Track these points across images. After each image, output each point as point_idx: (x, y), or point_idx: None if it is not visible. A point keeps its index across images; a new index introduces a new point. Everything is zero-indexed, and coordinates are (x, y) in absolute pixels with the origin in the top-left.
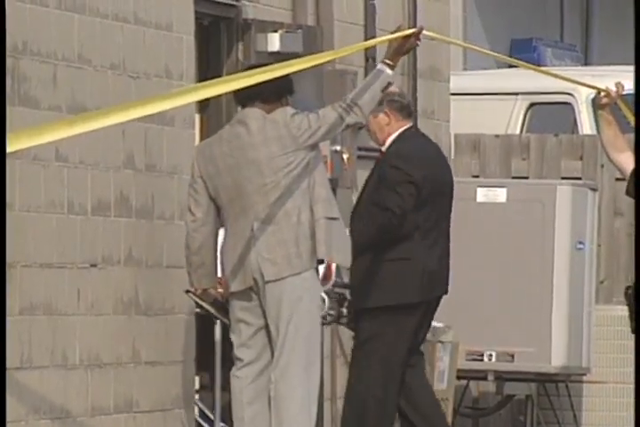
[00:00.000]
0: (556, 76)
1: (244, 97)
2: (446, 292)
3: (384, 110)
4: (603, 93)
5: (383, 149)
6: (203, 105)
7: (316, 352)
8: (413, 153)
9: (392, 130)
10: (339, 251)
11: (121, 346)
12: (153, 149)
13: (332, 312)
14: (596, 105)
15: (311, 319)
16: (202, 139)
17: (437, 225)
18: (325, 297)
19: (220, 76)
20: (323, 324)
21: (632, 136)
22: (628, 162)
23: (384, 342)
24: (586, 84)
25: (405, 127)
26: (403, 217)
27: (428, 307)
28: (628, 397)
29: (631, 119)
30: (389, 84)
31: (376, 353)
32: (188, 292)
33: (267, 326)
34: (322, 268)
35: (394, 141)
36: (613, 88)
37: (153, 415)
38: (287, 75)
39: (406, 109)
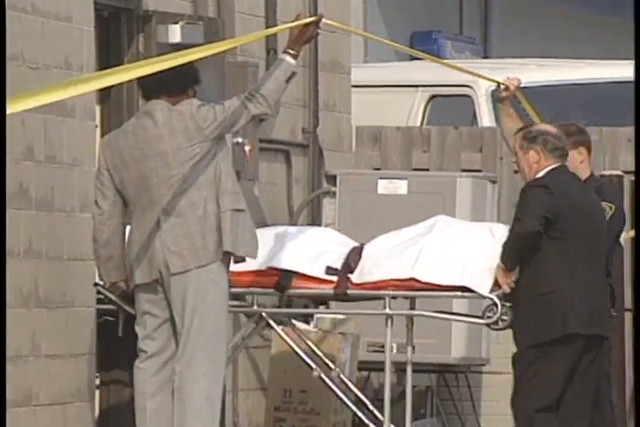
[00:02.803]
0: (457, 68)
1: (149, 90)
2: (602, 332)
3: (536, 148)
4: (502, 86)
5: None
6: (103, 96)
7: (221, 344)
8: (552, 183)
9: (540, 168)
10: (245, 243)
11: (20, 339)
12: (53, 141)
13: (505, 318)
14: (496, 98)
15: (217, 312)
16: (102, 130)
17: (578, 260)
18: (498, 302)
19: None
20: (495, 329)
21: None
22: None
23: (537, 380)
24: (486, 76)
25: (554, 166)
26: (527, 223)
27: (581, 344)
28: None
29: (531, 112)
30: (294, 73)
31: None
32: (96, 285)
33: (172, 319)
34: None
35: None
36: (519, 78)
37: (52, 409)
38: (192, 64)
39: (559, 151)
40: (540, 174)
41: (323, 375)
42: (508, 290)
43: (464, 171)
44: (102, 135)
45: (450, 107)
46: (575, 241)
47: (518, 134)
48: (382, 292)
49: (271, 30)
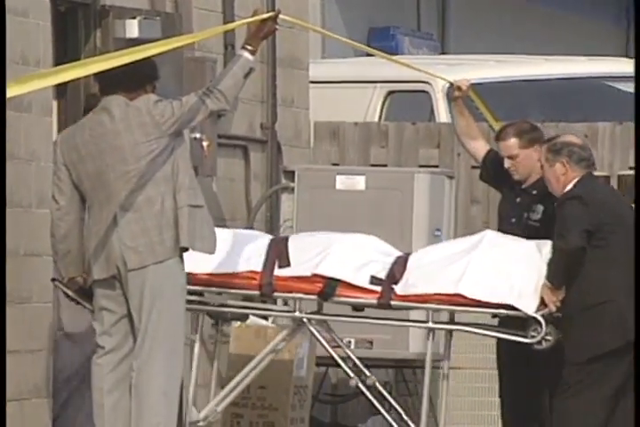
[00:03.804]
0: (410, 66)
1: (106, 86)
2: None
3: (561, 160)
4: (455, 86)
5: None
6: (60, 92)
7: (178, 341)
8: (584, 192)
9: (567, 180)
10: (203, 239)
11: None
12: (10, 136)
13: (548, 338)
14: (450, 97)
15: (174, 307)
16: (59, 126)
17: (623, 265)
18: (543, 322)
19: None
20: (539, 349)
21: (484, 124)
22: (480, 148)
23: (588, 393)
24: (438, 75)
25: (581, 176)
26: (570, 240)
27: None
28: (483, 382)
29: (484, 110)
30: (252, 69)
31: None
32: (54, 280)
33: (129, 315)
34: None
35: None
36: (468, 79)
37: (10, 405)
38: (150, 60)
39: (585, 161)
40: (570, 186)
41: (360, 384)
42: (554, 309)
43: (422, 166)
44: (59, 131)
45: (407, 103)
46: (618, 247)
47: (543, 147)
48: (426, 305)
49: (229, 26)
